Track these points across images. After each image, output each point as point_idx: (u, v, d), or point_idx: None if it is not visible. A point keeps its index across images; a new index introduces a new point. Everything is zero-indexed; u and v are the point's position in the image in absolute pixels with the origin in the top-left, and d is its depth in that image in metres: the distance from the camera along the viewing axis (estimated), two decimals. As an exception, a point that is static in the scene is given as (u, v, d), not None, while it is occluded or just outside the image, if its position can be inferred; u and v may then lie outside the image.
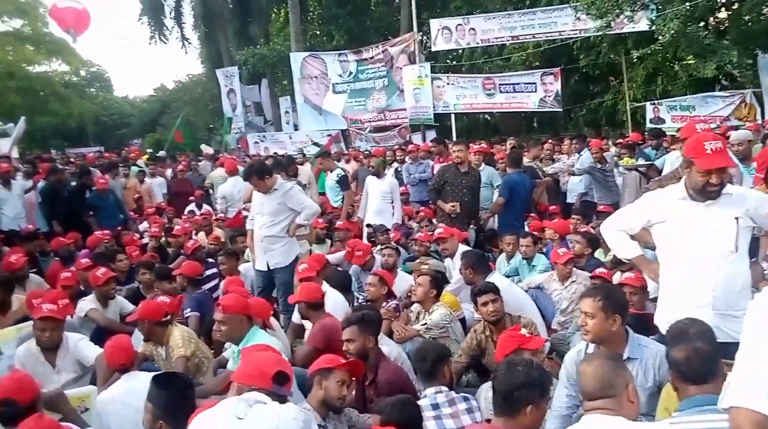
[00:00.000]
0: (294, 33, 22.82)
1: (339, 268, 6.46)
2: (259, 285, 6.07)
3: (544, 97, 17.12)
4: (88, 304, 5.50)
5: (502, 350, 3.42)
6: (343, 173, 9.30)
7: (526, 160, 9.28)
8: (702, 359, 2.44)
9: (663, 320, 3.26)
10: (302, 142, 18.14)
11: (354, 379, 3.54)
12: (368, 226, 8.03)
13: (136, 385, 3.67)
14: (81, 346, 4.48)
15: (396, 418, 2.88)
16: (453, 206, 7.07)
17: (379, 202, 8.36)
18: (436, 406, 3.19)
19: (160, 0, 26.58)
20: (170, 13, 27.32)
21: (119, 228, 8.84)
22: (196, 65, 30.47)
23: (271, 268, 5.97)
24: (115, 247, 7.73)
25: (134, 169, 12.89)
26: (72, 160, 13.55)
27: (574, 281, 5.50)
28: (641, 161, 8.11)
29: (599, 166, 8.52)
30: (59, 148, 30.48)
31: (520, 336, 3.50)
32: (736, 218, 3.17)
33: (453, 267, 5.78)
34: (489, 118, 22.52)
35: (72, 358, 4.44)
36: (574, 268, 5.61)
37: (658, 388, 3.07)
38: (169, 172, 13.12)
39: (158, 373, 3.58)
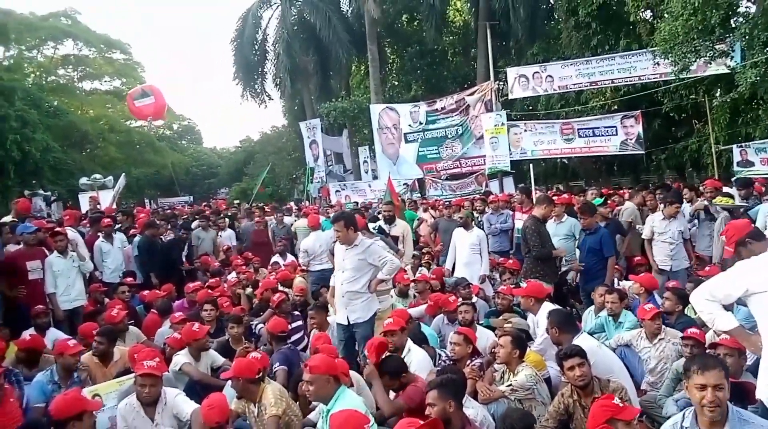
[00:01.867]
0: (373, 85, 23.41)
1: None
2: (341, 338, 6.11)
3: (626, 139, 16.77)
4: (182, 358, 5.68)
5: (595, 421, 3.30)
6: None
7: (628, 205, 9.08)
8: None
9: (767, 394, 3.08)
10: (381, 190, 18.37)
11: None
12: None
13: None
14: (178, 402, 4.63)
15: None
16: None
17: (468, 254, 8.39)
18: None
19: (249, 58, 27.85)
20: (257, 70, 28.58)
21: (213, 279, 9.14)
22: (280, 117, 31.74)
23: (351, 322, 6.02)
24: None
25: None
26: (167, 211, 14.17)
27: (662, 339, 5.27)
28: (737, 203, 7.69)
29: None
30: (152, 197, 32.08)
31: (614, 406, 3.37)
32: None
33: (537, 324, 5.67)
34: (567, 162, 22.16)
35: (170, 413, 4.59)
36: (663, 326, 5.38)
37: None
38: (245, 222, 13.48)
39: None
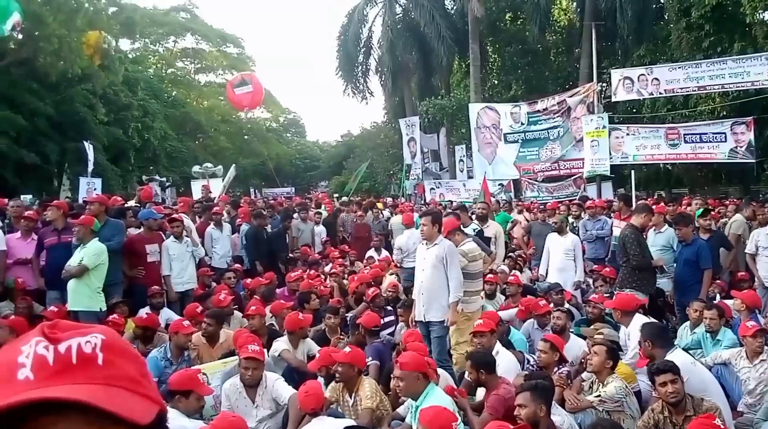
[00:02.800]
0: (474, 84, 23.29)
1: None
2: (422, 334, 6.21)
3: (735, 147, 15.80)
4: (281, 344, 5.96)
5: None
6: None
7: (737, 217, 8.69)
8: None
9: None
10: (475, 189, 18.28)
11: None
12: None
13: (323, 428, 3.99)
14: (278, 386, 4.89)
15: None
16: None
17: (562, 259, 8.30)
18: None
19: (353, 55, 28.42)
20: (360, 67, 29.10)
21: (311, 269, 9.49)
22: (380, 114, 32.26)
23: (426, 320, 6.11)
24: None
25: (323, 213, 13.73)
26: (270, 201, 14.75)
27: (765, 360, 5.04)
28: None
29: None
30: (257, 187, 33.36)
31: (714, 427, 3.29)
32: None
33: (628, 336, 5.55)
34: (670, 169, 21.19)
35: (269, 396, 4.86)
36: (766, 346, 5.14)
37: None
38: (342, 215, 13.78)
39: (350, 425, 3.85)
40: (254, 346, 4.83)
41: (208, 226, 9.58)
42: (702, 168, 19.68)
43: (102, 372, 0.66)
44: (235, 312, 7.31)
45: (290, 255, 10.53)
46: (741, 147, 15.87)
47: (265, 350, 5.74)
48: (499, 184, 19.08)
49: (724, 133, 16.12)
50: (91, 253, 6.53)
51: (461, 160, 22.66)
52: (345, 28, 28.49)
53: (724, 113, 17.71)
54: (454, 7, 27.90)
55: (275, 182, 29.32)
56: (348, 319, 7.28)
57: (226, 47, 39.62)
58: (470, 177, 20.98)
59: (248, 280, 8.65)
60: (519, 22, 27.27)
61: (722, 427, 3.33)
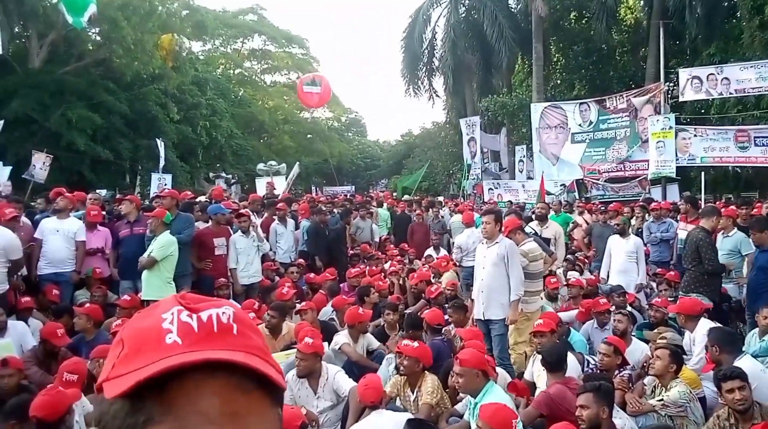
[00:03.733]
0: (536, 84, 22.95)
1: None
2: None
3: (809, 151, 15.08)
4: (342, 338, 6.07)
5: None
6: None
7: None
8: None
9: None
10: (535, 190, 18.02)
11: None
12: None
13: (382, 422, 4.04)
14: (338, 378, 4.99)
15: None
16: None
17: (624, 262, 8.12)
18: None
19: (416, 56, 28.48)
20: (423, 67, 29.12)
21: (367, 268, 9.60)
22: (441, 114, 32.22)
23: (486, 318, 6.08)
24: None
25: (384, 213, 13.79)
26: (333, 200, 14.95)
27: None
28: None
29: None
30: (318, 185, 33.82)
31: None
32: None
33: (693, 341, 5.39)
34: (739, 171, 20.33)
35: (330, 387, 4.96)
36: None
37: None
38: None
39: (411, 418, 3.90)
40: (309, 338, 4.93)
41: (272, 222, 9.78)
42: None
43: (239, 340, 0.71)
44: (297, 305, 7.45)
45: (350, 252, 10.65)
46: (814, 150, 15.12)
47: (326, 343, 5.87)
48: (561, 185, 18.76)
49: (797, 134, 15.40)
50: (160, 245, 6.80)
51: (521, 161, 22.37)
52: (410, 28, 28.54)
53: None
54: (518, 7, 27.56)
55: (336, 181, 29.63)
56: (406, 316, 7.32)
57: (291, 48, 40.26)
58: (530, 178, 20.69)
59: (311, 275, 8.82)
60: (584, 21, 26.64)
61: None
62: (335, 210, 11.84)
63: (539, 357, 5.38)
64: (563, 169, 19.72)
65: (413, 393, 4.82)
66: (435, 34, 28.70)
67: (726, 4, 21.25)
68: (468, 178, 22.40)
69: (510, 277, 6.01)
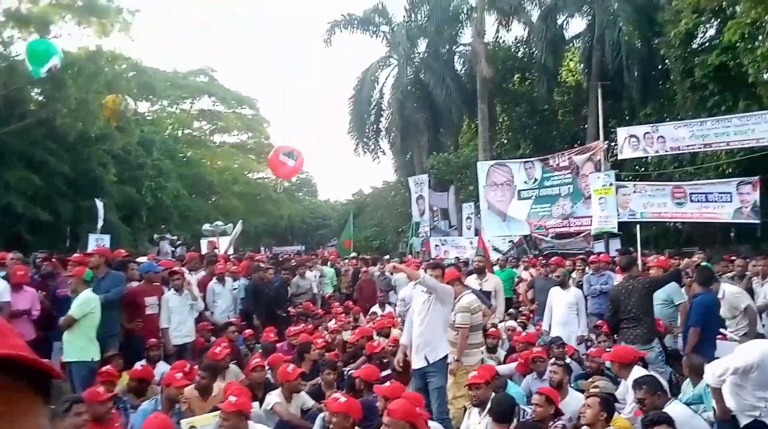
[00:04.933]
0: (482, 143, 23.65)
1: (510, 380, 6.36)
2: (416, 387, 6.10)
3: (741, 207, 15.70)
4: (274, 397, 5.89)
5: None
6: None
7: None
8: None
9: None
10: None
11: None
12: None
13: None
14: (260, 433, 4.81)
15: None
16: None
17: (565, 314, 8.22)
18: None
19: (364, 115, 29.04)
20: (371, 127, 29.65)
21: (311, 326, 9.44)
22: (392, 173, 32.73)
23: (430, 362, 6.04)
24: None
25: (329, 270, 13.72)
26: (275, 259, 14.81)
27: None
28: None
29: None
30: (268, 245, 33.50)
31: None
32: None
33: (628, 389, 5.42)
34: (680, 226, 21.09)
35: (256, 448, 4.77)
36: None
37: None
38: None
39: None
40: (233, 397, 4.78)
41: (210, 281, 9.59)
42: (710, 226, 19.54)
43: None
44: (232, 366, 7.23)
45: (290, 310, 10.48)
46: (746, 207, 15.74)
47: (257, 403, 5.69)
48: (509, 241, 19.06)
49: (730, 192, 16.03)
50: (78, 303, 6.60)
51: (469, 218, 22.71)
52: (358, 89, 29.19)
53: (730, 171, 17.74)
54: (464, 69, 28.58)
55: (287, 241, 29.49)
56: (345, 374, 7.18)
57: (241, 109, 40.54)
58: (477, 234, 20.97)
59: (248, 332, 8.62)
60: (527, 83, 27.82)
61: None
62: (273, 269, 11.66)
63: (475, 410, 5.34)
64: (511, 225, 20.10)
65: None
66: (383, 94, 29.42)
67: (660, 67, 22.48)
68: (417, 236, 22.56)
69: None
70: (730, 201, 15.77)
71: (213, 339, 8.31)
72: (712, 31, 19.39)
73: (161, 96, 34.85)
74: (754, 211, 15.55)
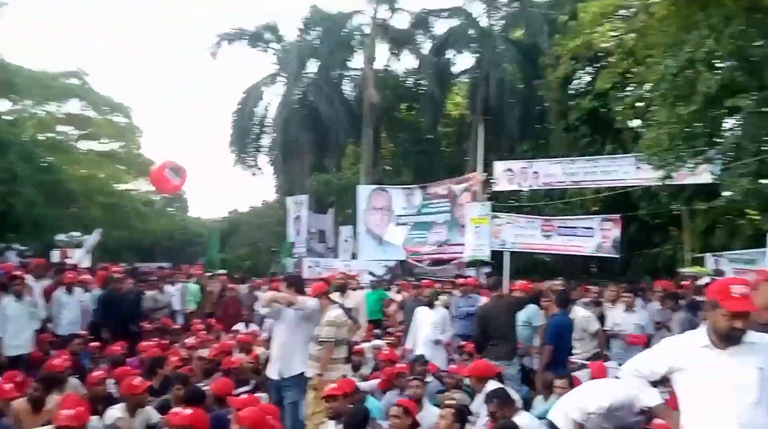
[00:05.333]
0: (365, 167, 24.03)
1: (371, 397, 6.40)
2: (273, 401, 6.03)
3: (602, 242, 16.97)
4: (116, 412, 5.56)
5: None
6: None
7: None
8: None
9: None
10: (359, 270, 18.39)
11: None
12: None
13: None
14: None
15: None
16: None
17: (430, 333, 8.40)
18: None
19: (246, 131, 28.60)
20: (252, 143, 29.23)
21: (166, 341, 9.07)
22: (270, 193, 32.33)
23: (286, 376, 6.09)
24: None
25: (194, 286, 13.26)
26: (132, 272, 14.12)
27: None
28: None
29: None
30: (130, 261, 31.85)
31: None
32: (760, 368, 3.06)
33: (482, 404, 5.61)
34: (547, 259, 22.38)
35: (90, 463, 4.47)
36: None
37: None
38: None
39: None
40: (68, 411, 4.49)
41: (56, 289, 8.98)
42: (575, 260, 20.88)
43: None
44: (72, 379, 6.77)
45: (144, 325, 10.03)
46: (606, 243, 17.04)
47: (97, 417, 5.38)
48: (384, 265, 19.35)
49: (593, 228, 17.33)
50: None
51: (346, 241, 22.88)
52: (242, 104, 28.72)
53: (596, 209, 19.15)
54: (352, 94, 28.97)
55: (152, 257, 28.20)
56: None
57: (113, 116, 38.64)
58: (354, 258, 21.15)
59: (95, 345, 8.13)
60: (413, 112, 28.66)
61: None
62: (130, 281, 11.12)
63: (331, 423, 5.31)
64: (388, 250, 20.48)
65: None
66: (267, 111, 29.15)
67: (539, 107, 23.92)
68: (290, 256, 22.39)
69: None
70: (593, 236, 17.00)
71: (53, 353, 7.75)
72: (587, 78, 20.93)
73: (25, 95, 32.56)
74: (614, 246, 16.85)
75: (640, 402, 3.47)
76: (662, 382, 3.51)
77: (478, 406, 5.73)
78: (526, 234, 17.72)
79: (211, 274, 14.72)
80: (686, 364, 3.20)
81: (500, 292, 7.66)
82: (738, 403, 3.03)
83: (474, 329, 8.18)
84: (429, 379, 6.79)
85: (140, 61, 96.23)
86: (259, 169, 29.44)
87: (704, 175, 14.11)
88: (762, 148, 11.81)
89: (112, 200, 34.00)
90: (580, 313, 7.81)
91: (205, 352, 8.70)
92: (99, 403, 5.86)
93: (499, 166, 19.02)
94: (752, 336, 3.16)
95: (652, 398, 3.39)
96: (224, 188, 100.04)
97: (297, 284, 6.31)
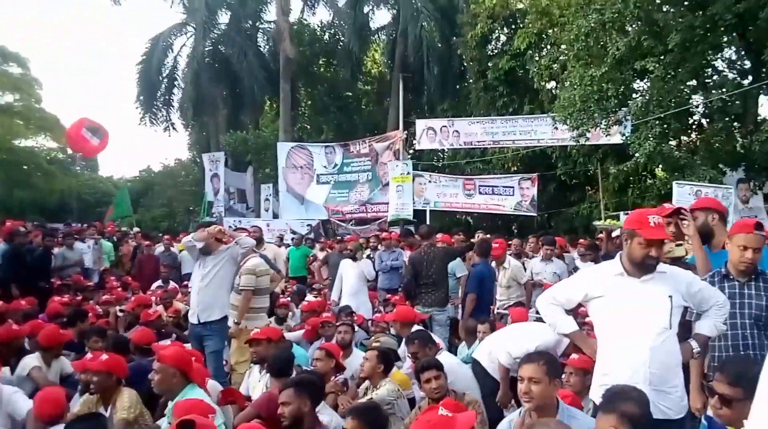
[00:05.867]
0: (283, 124, 23.62)
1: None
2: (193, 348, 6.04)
3: (521, 201, 17.59)
4: (32, 361, 5.42)
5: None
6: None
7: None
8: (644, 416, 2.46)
9: (597, 395, 3.32)
10: (281, 229, 18.29)
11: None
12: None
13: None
14: (14, 399, 4.41)
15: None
16: None
17: (355, 284, 8.58)
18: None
19: (154, 84, 27.34)
20: (161, 97, 27.99)
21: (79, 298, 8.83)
22: (184, 150, 31.28)
23: (202, 321, 6.04)
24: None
25: (107, 244, 12.90)
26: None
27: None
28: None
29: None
30: (35, 221, 30.32)
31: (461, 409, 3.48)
32: (670, 296, 3.29)
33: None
34: (469, 219, 22.93)
35: (4, 411, 4.37)
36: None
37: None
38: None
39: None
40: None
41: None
42: (496, 219, 21.51)
43: None
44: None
45: (54, 282, 9.70)
46: (525, 201, 17.71)
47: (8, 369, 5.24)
48: (307, 225, 19.32)
49: (513, 187, 17.93)
50: None
51: (267, 199, 22.61)
52: (148, 55, 27.26)
53: (515, 168, 19.70)
54: (267, 48, 28.27)
55: (59, 218, 26.83)
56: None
57: (7, 66, 36.17)
58: (275, 217, 20.97)
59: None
60: (332, 68, 28.32)
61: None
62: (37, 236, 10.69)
63: (255, 368, 5.37)
64: (310, 209, 20.43)
65: (108, 411, 4.43)
66: (177, 63, 27.93)
67: (458, 66, 24.10)
68: (210, 216, 21.95)
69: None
70: (512, 194, 17.59)
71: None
72: (504, 38, 21.27)
73: None
74: (532, 205, 17.50)
75: (556, 329, 3.67)
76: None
77: (404, 350, 5.92)
78: (448, 193, 18.12)
79: (122, 231, 14.32)
80: (602, 291, 3.42)
81: (433, 240, 7.78)
82: (649, 328, 3.27)
83: (404, 277, 8.39)
84: (356, 329, 6.94)
85: (37, 8, 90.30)
86: (172, 125, 28.30)
87: (616, 137, 14.72)
88: (667, 112, 12.46)
89: (10, 157, 32.05)
90: (513, 262, 8.15)
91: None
92: (11, 355, 5.67)
93: (420, 125, 19.23)
94: (663, 267, 3.41)
95: (569, 325, 3.61)
96: (137, 146, 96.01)
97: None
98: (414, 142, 20.93)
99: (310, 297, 9.57)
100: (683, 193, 10.40)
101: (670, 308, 3.27)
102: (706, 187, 10.84)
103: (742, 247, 3.70)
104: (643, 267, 3.28)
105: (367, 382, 5.01)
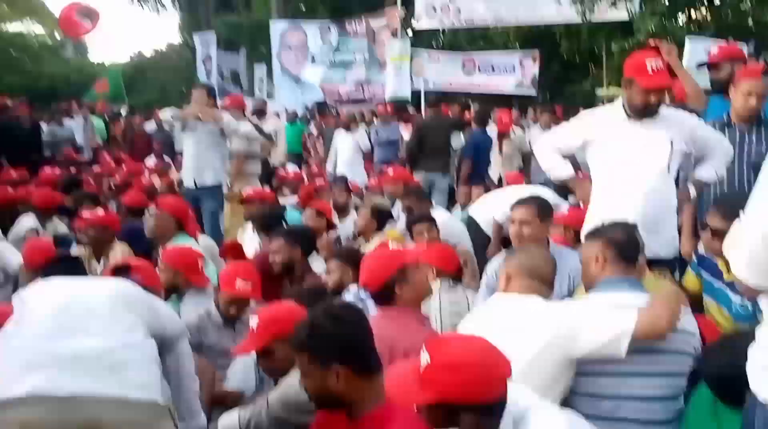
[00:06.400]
0: (276, 2, 22.75)
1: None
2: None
3: (522, 80, 17.18)
4: (29, 221, 5.44)
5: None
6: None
7: None
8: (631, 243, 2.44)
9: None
10: (277, 110, 18.00)
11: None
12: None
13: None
14: (6, 254, 4.44)
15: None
16: None
17: (350, 155, 8.61)
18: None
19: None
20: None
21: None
22: (176, 35, 30.34)
23: (199, 185, 6.09)
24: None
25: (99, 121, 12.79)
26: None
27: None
28: None
29: None
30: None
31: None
32: (671, 140, 3.23)
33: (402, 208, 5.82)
34: (471, 103, 22.54)
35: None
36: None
37: (570, 295, 3.11)
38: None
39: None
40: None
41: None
42: (495, 100, 21.14)
43: None
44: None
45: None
46: (526, 80, 17.27)
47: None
48: (304, 105, 19.02)
49: (514, 64, 17.44)
50: None
51: (261, 80, 22.14)
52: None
53: (517, 45, 19.17)
54: None
55: (49, 103, 26.42)
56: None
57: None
58: (270, 97, 20.60)
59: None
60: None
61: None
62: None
63: (248, 226, 5.42)
64: (306, 90, 20.02)
65: (100, 263, 4.49)
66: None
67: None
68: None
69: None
70: (513, 72, 17.13)
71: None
72: None
73: None
74: (533, 83, 17.13)
75: (553, 174, 3.63)
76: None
77: (398, 211, 5.94)
78: (447, 72, 17.66)
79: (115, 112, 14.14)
80: (601, 134, 3.36)
81: (439, 109, 8.09)
82: (647, 170, 3.23)
83: (408, 142, 8.37)
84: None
85: None
86: (162, 5, 27.34)
87: (623, 12, 14.18)
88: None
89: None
90: (518, 131, 8.18)
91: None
92: (5, 219, 5.68)
93: (419, 2, 18.44)
94: (665, 110, 3.32)
95: (565, 170, 3.57)
96: (127, 31, 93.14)
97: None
98: (413, 20, 20.19)
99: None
100: (697, 50, 9.74)
101: (670, 152, 3.22)
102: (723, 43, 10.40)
103: (747, 93, 3.61)
104: (643, 112, 3.20)
105: (361, 238, 5.05)
